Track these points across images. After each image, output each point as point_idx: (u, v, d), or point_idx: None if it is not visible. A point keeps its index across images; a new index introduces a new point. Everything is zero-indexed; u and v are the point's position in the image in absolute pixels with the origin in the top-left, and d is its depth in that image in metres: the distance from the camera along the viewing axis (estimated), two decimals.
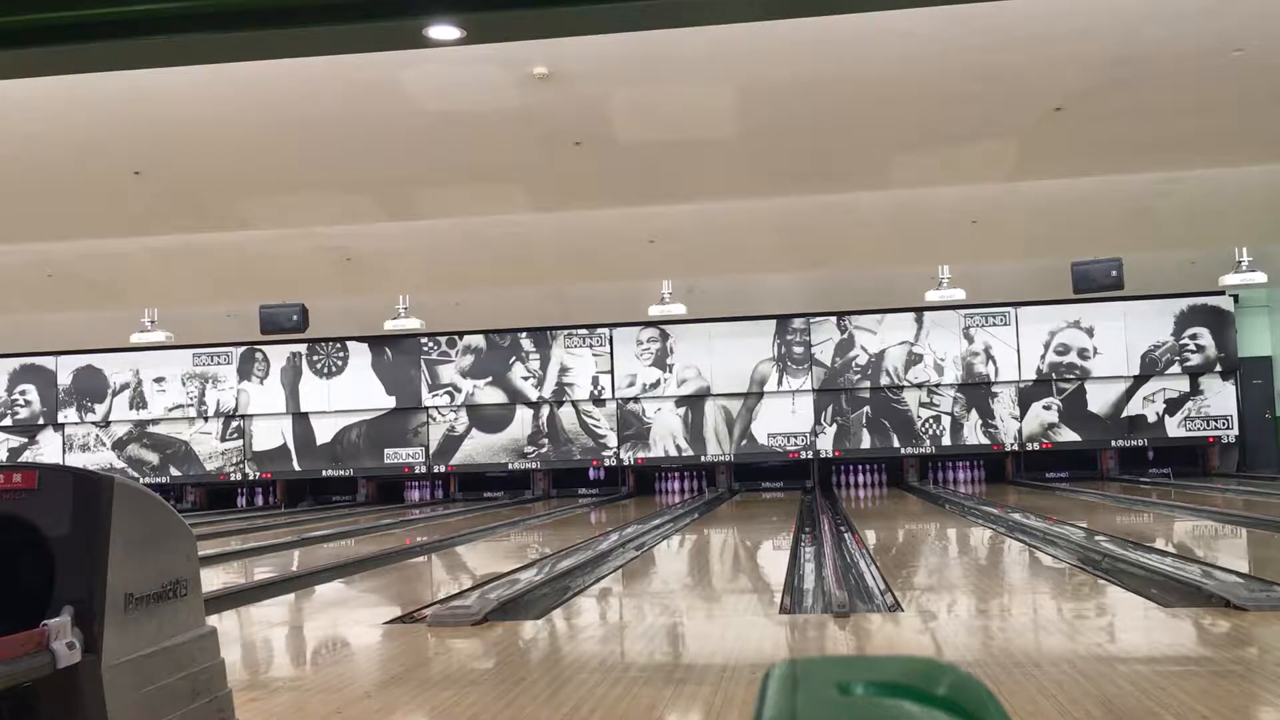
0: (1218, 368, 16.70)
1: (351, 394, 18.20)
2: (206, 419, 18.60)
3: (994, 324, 17.05)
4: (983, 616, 5.41)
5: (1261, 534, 8.77)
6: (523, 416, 17.95)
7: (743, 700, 3.66)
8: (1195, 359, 16.73)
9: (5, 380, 18.95)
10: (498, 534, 11.71)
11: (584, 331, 17.69)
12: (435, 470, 18.19)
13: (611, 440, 17.72)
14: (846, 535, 9.89)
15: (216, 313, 15.46)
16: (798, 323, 17.32)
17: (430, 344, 17.99)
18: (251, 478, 18.60)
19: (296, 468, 18.43)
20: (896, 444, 17.24)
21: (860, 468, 17.94)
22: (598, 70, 6.65)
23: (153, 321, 14.30)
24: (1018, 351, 17.02)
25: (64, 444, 18.87)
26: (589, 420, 17.81)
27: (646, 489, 18.06)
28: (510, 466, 18.00)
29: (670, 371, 17.55)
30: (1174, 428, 16.82)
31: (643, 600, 6.50)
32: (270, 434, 18.48)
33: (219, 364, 18.54)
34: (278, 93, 6.92)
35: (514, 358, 17.89)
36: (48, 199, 9.12)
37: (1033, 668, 4.03)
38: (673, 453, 17.64)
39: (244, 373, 18.52)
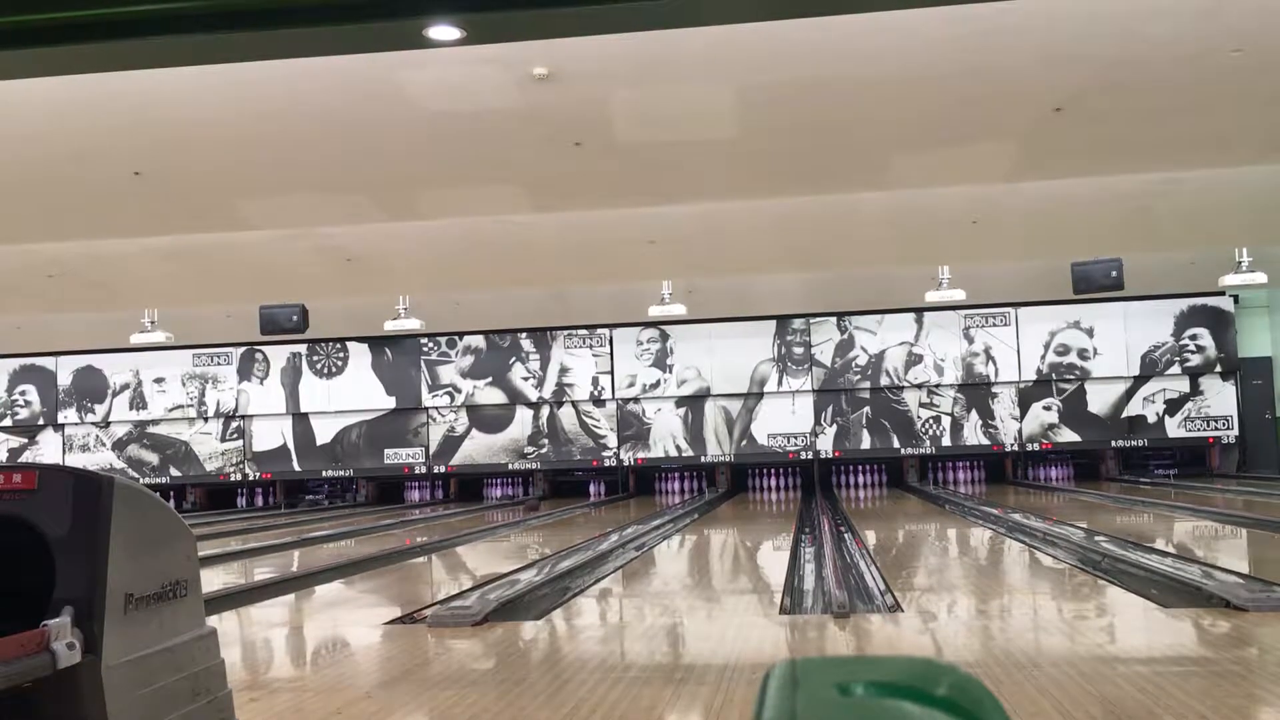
0: (1218, 368, 16.70)
1: (351, 394, 18.20)
2: (206, 419, 18.60)
3: (994, 324, 17.05)
4: (983, 617, 5.41)
5: (1261, 534, 8.77)
6: (523, 417, 17.95)
7: (743, 701, 3.66)
8: (1195, 359, 16.73)
9: (5, 380, 18.95)
10: (498, 534, 11.71)
11: (584, 332, 17.69)
12: (435, 471, 18.19)
13: (611, 441, 17.71)
14: (846, 535, 9.89)
15: (216, 313, 15.45)
16: (798, 323, 17.32)
17: (430, 344, 17.99)
18: (251, 478, 18.61)
19: (296, 468, 18.44)
20: (896, 444, 17.23)
21: (860, 468, 17.93)
22: (598, 70, 6.64)
23: (153, 322, 14.30)
24: (1018, 352, 17.02)
25: (64, 444, 18.87)
26: (589, 421, 17.81)
27: (646, 489, 18.06)
28: (510, 467, 18.00)
29: (670, 372, 17.55)
30: (1174, 428, 16.82)
31: (643, 601, 6.50)
32: (270, 434, 18.49)
33: (219, 364, 18.54)
34: (278, 93, 6.91)
35: (514, 358, 17.89)
36: (48, 199, 9.12)
37: (1033, 668, 4.03)
38: (672, 453, 17.64)
39: (244, 373, 18.52)
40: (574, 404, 17.83)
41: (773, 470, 17.94)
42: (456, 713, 3.66)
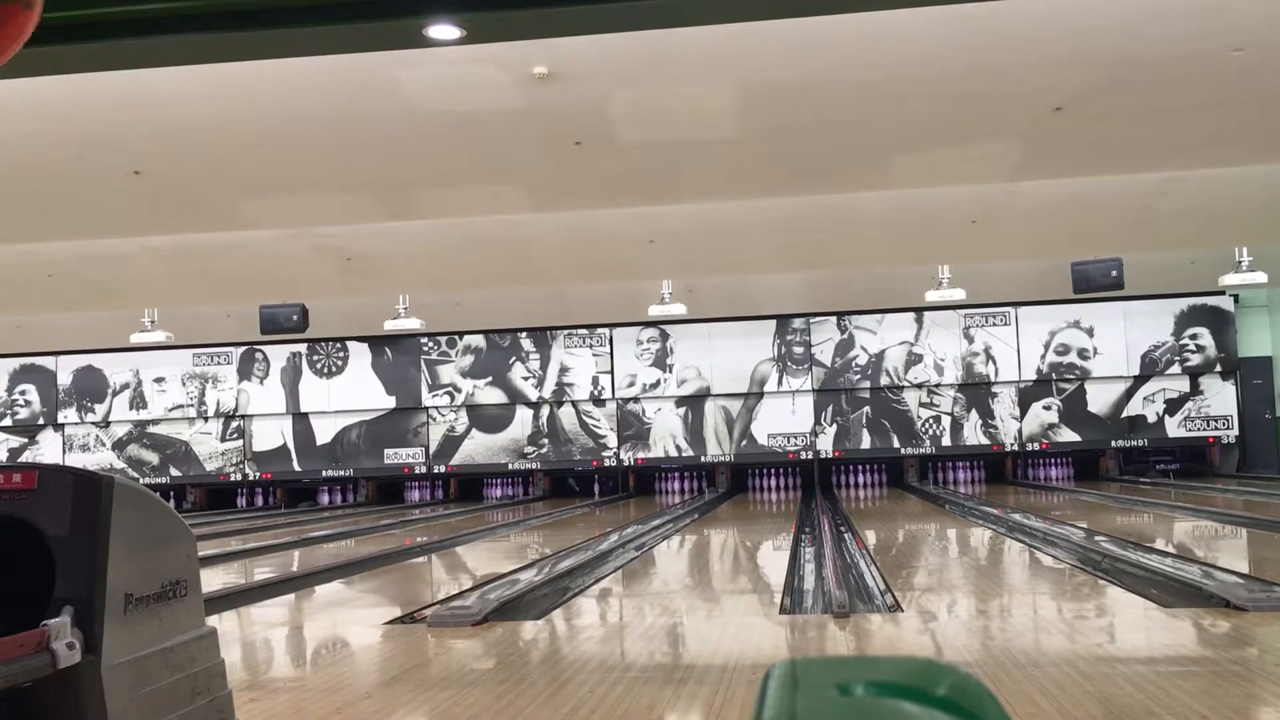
0: (1218, 368, 16.70)
1: (351, 394, 18.20)
2: (206, 419, 18.60)
3: (994, 324, 17.05)
4: (983, 617, 5.41)
5: (1261, 534, 8.77)
6: (523, 417, 17.95)
7: (743, 700, 3.66)
8: (1195, 359, 16.72)
9: (5, 380, 18.95)
10: (498, 534, 11.71)
11: (584, 331, 17.68)
12: (435, 470, 18.19)
13: (611, 440, 17.71)
14: (846, 535, 9.89)
15: (216, 313, 15.46)
16: (798, 323, 17.32)
17: (430, 344, 17.99)
18: (251, 478, 18.60)
19: (296, 468, 18.43)
20: (896, 444, 17.23)
21: (860, 468, 17.93)
22: (598, 70, 6.64)
23: (153, 321, 14.30)
24: (1018, 351, 17.02)
25: (64, 444, 18.87)
26: (589, 420, 17.81)
27: (646, 489, 18.06)
28: (510, 467, 18.00)
29: (670, 372, 17.55)
30: (1174, 428, 16.82)
31: (643, 600, 6.49)
32: (270, 434, 18.48)
33: (219, 364, 18.54)
34: (278, 93, 6.92)
35: (514, 358, 17.89)
36: (48, 199, 9.12)
37: (1033, 668, 4.03)
38: (672, 453, 17.64)
39: (244, 373, 18.52)
40: (574, 404, 17.83)
41: (773, 470, 17.94)
42: (456, 713, 3.66)
